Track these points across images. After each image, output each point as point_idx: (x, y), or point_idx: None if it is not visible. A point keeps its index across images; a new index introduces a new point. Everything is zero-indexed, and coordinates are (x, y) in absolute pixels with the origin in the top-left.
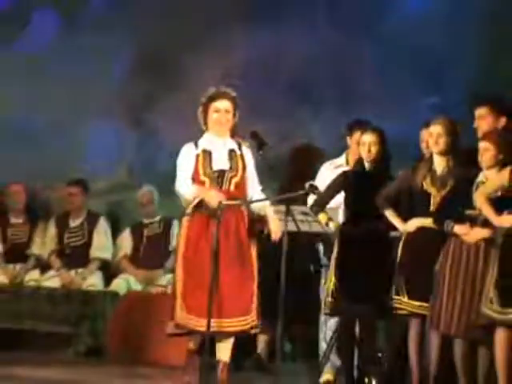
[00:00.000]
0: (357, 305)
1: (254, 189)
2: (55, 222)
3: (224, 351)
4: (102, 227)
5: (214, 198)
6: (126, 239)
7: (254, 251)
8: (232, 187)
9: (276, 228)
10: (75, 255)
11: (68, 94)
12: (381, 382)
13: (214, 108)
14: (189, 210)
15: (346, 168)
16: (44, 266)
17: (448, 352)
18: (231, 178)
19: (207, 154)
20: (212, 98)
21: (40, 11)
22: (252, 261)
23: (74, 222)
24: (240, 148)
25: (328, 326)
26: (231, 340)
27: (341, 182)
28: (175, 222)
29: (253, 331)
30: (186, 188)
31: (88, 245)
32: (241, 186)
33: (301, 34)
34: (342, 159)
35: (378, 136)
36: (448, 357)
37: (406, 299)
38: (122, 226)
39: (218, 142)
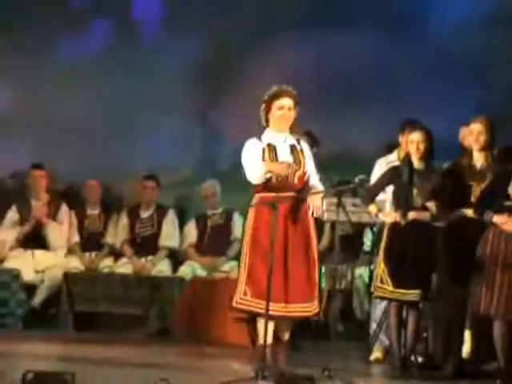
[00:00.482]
0: (407, 290)
1: (315, 180)
2: (127, 213)
3: (286, 332)
4: (170, 218)
5: (283, 164)
6: (192, 229)
7: (315, 241)
8: (296, 180)
9: (316, 203)
10: (145, 244)
11: (137, 96)
12: (425, 359)
13: (278, 105)
14: (254, 201)
15: (397, 163)
16: (117, 254)
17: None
18: (295, 171)
19: (272, 147)
20: (275, 96)
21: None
22: (314, 250)
23: (144, 214)
24: (299, 143)
25: (378, 308)
26: (289, 327)
27: (389, 177)
28: (236, 214)
29: (315, 317)
30: (257, 168)
31: (157, 235)
32: (303, 179)
33: (349, 39)
34: (394, 155)
35: (425, 134)
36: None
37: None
38: (187, 218)
39: (279, 137)
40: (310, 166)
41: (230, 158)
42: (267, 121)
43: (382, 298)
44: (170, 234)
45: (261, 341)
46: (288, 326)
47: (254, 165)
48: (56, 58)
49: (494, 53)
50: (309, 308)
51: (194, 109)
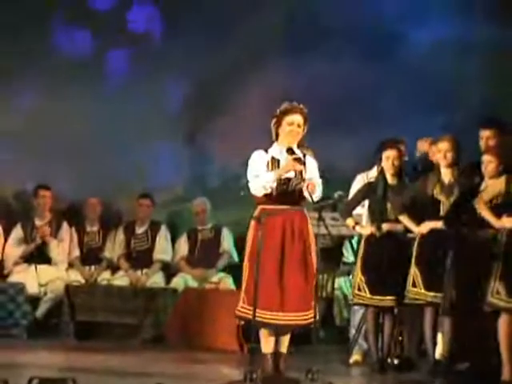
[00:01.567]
0: (383, 297)
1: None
2: (123, 229)
3: (284, 344)
4: (163, 233)
5: (289, 163)
6: (183, 243)
7: (314, 251)
8: (296, 194)
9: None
10: (140, 258)
11: (133, 121)
12: (401, 361)
13: (288, 121)
14: (256, 213)
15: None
16: (114, 268)
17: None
18: (296, 185)
19: (276, 161)
20: (286, 112)
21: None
22: (313, 261)
23: (139, 230)
24: (304, 157)
25: (357, 315)
26: (289, 334)
27: (365, 192)
28: (225, 229)
29: (313, 324)
30: (266, 176)
31: (151, 249)
32: (303, 192)
33: (328, 63)
34: (373, 172)
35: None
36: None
37: (422, 290)
38: (179, 233)
39: (284, 152)
40: (313, 175)
41: (219, 176)
42: (277, 135)
43: (361, 305)
44: (163, 248)
45: (263, 349)
46: (286, 336)
47: (260, 176)
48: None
49: (465, 76)
50: (305, 316)
51: (184, 131)
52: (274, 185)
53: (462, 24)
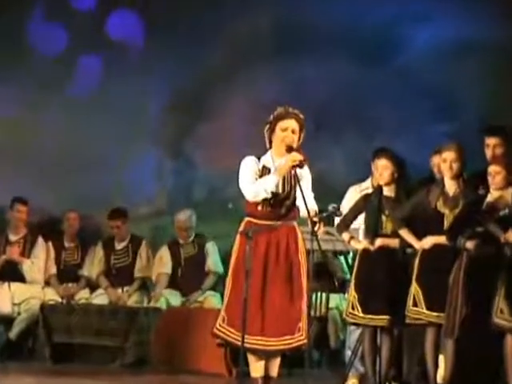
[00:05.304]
0: (376, 316)
1: (308, 198)
2: (102, 245)
3: (273, 368)
4: (145, 249)
5: (288, 157)
6: (164, 257)
7: (303, 269)
8: (283, 209)
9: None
10: (121, 275)
11: (113, 130)
12: None
13: (282, 127)
14: (242, 227)
15: (370, 191)
16: (93, 286)
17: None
18: (283, 199)
19: (266, 170)
20: (280, 117)
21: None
22: (301, 279)
23: (119, 245)
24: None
25: (353, 336)
26: (279, 357)
27: (361, 205)
28: (209, 244)
29: (301, 348)
30: (268, 179)
31: (132, 265)
32: (291, 208)
33: (319, 68)
34: (367, 183)
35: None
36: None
37: (424, 310)
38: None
39: (277, 161)
40: (306, 187)
41: (205, 186)
42: (270, 142)
43: (354, 324)
44: (144, 265)
45: (252, 373)
46: (276, 359)
47: (258, 181)
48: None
49: (463, 81)
50: (290, 340)
51: (167, 140)
52: (275, 189)
53: (464, 26)
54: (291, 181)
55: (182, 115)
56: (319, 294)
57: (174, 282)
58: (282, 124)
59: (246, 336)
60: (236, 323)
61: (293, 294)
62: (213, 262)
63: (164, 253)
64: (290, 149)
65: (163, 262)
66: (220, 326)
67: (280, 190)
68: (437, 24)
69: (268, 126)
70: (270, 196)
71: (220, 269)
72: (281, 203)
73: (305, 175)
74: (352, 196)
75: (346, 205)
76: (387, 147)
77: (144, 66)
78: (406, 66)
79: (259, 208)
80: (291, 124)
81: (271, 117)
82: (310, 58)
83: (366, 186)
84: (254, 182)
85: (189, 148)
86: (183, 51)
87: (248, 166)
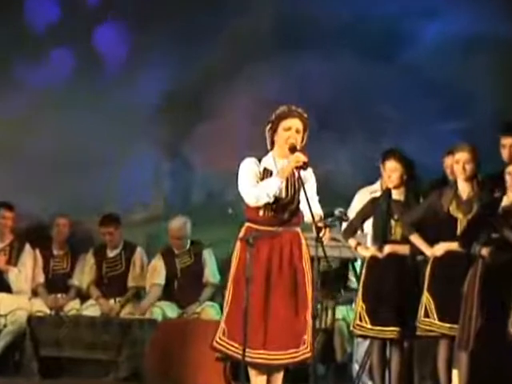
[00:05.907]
0: (385, 327)
1: (313, 202)
2: (93, 253)
3: (277, 382)
4: (139, 257)
5: (292, 158)
6: (158, 267)
7: (308, 278)
8: (286, 214)
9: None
10: (113, 284)
11: (106, 131)
12: None
13: (285, 126)
14: (242, 233)
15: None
16: (84, 296)
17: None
18: (286, 204)
19: (268, 173)
20: (283, 116)
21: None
22: (306, 288)
23: (111, 253)
24: (306, 167)
25: (360, 349)
26: (282, 372)
27: (369, 209)
28: (206, 252)
29: (306, 362)
30: (272, 186)
31: (125, 274)
32: (295, 213)
33: (323, 66)
34: (377, 185)
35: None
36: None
37: (436, 321)
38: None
39: (280, 163)
40: (310, 190)
41: (203, 189)
42: (272, 143)
43: (361, 336)
44: (138, 274)
45: None
46: (279, 374)
47: (261, 183)
48: (19, 89)
49: (473, 77)
50: (295, 354)
51: (163, 141)
52: (278, 193)
53: (473, 20)
54: (295, 184)
55: (179, 114)
56: (325, 303)
57: (170, 294)
58: (284, 123)
59: (247, 349)
60: (237, 336)
61: (297, 304)
62: (210, 272)
63: (158, 262)
64: (293, 149)
65: (157, 272)
66: (220, 339)
67: (283, 194)
68: (445, 18)
69: (270, 125)
70: (272, 200)
71: (217, 279)
72: (284, 208)
73: (309, 178)
74: (361, 199)
75: (355, 209)
76: (395, 148)
77: (138, 68)
78: (413, 62)
79: (261, 213)
80: (295, 123)
81: (273, 116)
82: (313, 55)
83: (376, 189)
84: (255, 186)
85: (186, 149)
86: (182, 48)
87: (248, 169)
